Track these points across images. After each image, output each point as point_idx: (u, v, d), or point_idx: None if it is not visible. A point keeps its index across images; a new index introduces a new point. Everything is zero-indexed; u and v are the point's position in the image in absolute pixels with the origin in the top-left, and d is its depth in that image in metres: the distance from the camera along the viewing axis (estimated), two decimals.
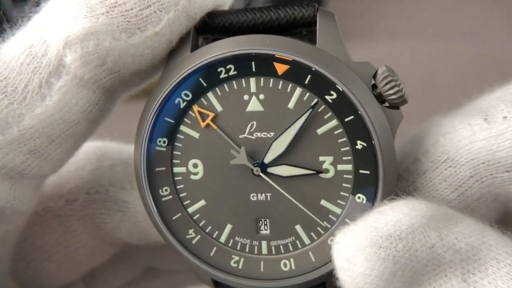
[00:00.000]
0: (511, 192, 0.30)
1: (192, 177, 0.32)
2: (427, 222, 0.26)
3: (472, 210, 0.30)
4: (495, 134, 0.29)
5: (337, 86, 0.29)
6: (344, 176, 0.30)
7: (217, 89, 0.31)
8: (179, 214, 0.33)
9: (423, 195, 0.30)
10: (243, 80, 0.30)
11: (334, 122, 0.30)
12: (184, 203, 0.33)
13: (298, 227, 0.31)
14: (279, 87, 0.30)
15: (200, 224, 0.33)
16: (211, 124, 0.31)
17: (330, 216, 0.31)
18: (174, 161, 0.32)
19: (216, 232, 0.33)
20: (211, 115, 0.31)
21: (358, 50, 0.34)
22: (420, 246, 0.25)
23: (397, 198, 0.28)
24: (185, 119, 0.31)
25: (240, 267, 0.32)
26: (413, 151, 0.31)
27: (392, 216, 0.25)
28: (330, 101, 0.29)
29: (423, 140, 0.31)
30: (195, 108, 0.31)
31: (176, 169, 0.32)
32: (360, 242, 0.25)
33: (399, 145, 0.32)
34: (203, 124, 0.31)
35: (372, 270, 0.25)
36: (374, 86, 0.29)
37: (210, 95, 0.31)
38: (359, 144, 0.30)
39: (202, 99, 0.31)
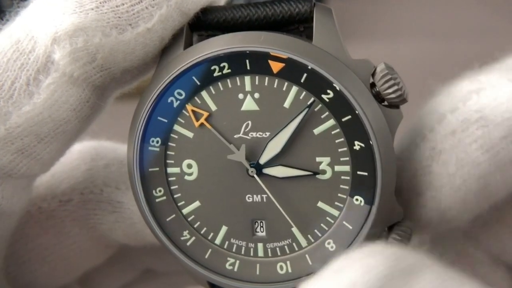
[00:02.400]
0: None
1: (187, 177, 0.32)
2: (384, 283, 0.25)
3: (502, 172, 0.29)
4: None
5: (333, 85, 0.28)
6: (342, 177, 0.30)
7: (211, 87, 0.30)
8: (173, 216, 0.32)
9: (451, 156, 0.29)
10: (237, 78, 0.30)
11: (331, 122, 0.29)
12: (179, 204, 0.32)
13: (294, 229, 0.31)
14: (275, 86, 0.29)
15: (195, 226, 0.32)
16: (205, 123, 0.30)
17: (327, 218, 0.30)
18: (168, 161, 0.32)
19: (211, 234, 0.32)
20: (205, 114, 0.30)
21: (358, 50, 0.34)
22: None
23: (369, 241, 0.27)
24: (179, 119, 0.31)
25: (235, 269, 0.32)
26: (440, 109, 0.30)
27: (348, 277, 0.25)
28: (327, 100, 0.29)
29: (453, 96, 0.30)
30: (189, 107, 0.30)
31: (170, 170, 0.32)
32: None
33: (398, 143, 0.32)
34: (197, 124, 0.31)
35: None
36: (373, 85, 0.29)
37: (204, 93, 0.30)
38: (357, 145, 0.29)
39: (195, 98, 0.30)
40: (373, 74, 0.29)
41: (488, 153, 0.29)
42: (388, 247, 0.27)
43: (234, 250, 0.32)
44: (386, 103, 0.29)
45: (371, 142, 0.28)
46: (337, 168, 0.30)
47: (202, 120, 0.30)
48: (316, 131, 0.29)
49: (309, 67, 0.28)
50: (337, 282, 0.25)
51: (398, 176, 0.30)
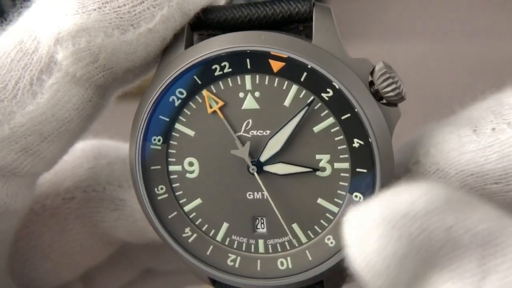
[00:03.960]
0: (501, 203, 0.29)
1: (188, 175, 0.32)
2: (445, 204, 0.24)
3: None
4: (483, 146, 0.29)
5: (333, 83, 0.28)
6: (341, 174, 0.30)
7: (212, 86, 0.30)
8: (175, 213, 0.32)
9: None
10: (238, 77, 0.30)
11: (331, 120, 0.30)
12: (180, 201, 0.32)
13: (295, 226, 0.31)
14: (275, 85, 0.30)
15: (196, 223, 0.32)
16: (218, 112, 0.31)
17: (327, 214, 0.30)
18: (169, 159, 0.32)
19: (213, 231, 0.32)
20: (220, 103, 0.30)
21: (358, 50, 0.34)
22: (436, 227, 0.24)
23: (414, 180, 0.27)
24: (180, 117, 0.31)
25: (236, 265, 0.32)
26: (404, 161, 0.31)
27: (408, 196, 0.24)
28: (327, 98, 0.29)
29: (415, 150, 0.31)
30: (205, 93, 0.31)
31: (171, 168, 0.32)
32: (374, 220, 0.24)
33: (399, 143, 0.32)
34: (210, 110, 0.31)
35: (384, 249, 0.24)
36: (371, 83, 0.29)
37: (204, 92, 0.31)
38: (356, 142, 0.29)
39: (196, 96, 0.31)
40: (371, 73, 0.29)
41: None
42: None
43: (235, 246, 0.32)
44: (384, 101, 0.29)
45: (370, 140, 0.29)
46: (337, 165, 0.30)
47: (216, 108, 0.31)
48: (316, 129, 0.30)
49: (309, 66, 0.28)
50: (397, 198, 0.24)
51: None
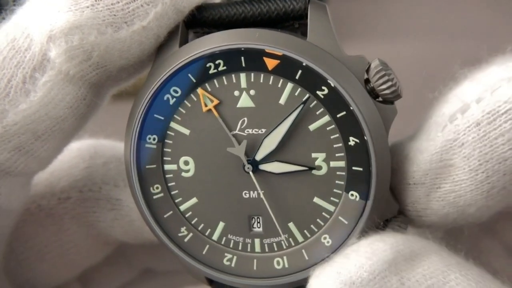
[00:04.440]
0: None
1: (184, 174, 0.32)
2: (388, 267, 0.26)
3: None
4: None
5: (328, 81, 0.28)
6: (337, 173, 0.30)
7: (206, 84, 0.30)
8: (171, 212, 0.32)
9: (474, 150, 0.27)
10: (233, 75, 0.30)
11: (326, 118, 0.29)
12: (176, 200, 0.32)
13: (291, 225, 0.31)
14: (270, 83, 0.30)
15: (192, 222, 0.32)
16: (213, 110, 0.30)
17: (323, 213, 0.30)
18: (164, 158, 0.32)
19: (209, 230, 0.32)
20: (215, 101, 0.30)
21: (358, 49, 0.34)
22: None
23: (369, 233, 0.28)
24: (175, 116, 0.31)
25: (233, 265, 0.32)
26: (464, 97, 0.28)
27: (355, 261, 0.26)
28: (322, 96, 0.29)
29: (480, 84, 0.28)
30: (200, 91, 0.30)
31: (167, 167, 0.32)
32: None
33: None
34: (205, 109, 0.30)
35: None
36: (367, 81, 0.29)
37: (199, 91, 0.30)
38: (352, 141, 0.29)
39: (191, 95, 0.31)
40: (367, 70, 0.29)
41: None
42: (397, 233, 0.28)
43: (231, 245, 0.32)
44: (380, 99, 0.29)
45: (365, 138, 0.28)
46: (333, 163, 0.30)
47: (211, 106, 0.30)
48: (312, 127, 0.30)
49: (304, 64, 0.28)
50: (346, 265, 0.26)
51: (407, 169, 0.29)
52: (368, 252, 0.26)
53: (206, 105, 0.30)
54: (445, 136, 0.28)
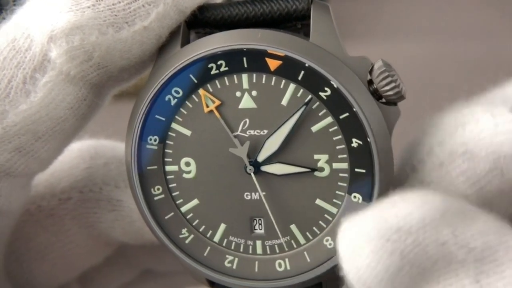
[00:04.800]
0: None
1: (185, 175, 0.32)
2: (440, 217, 0.24)
3: (491, 205, 0.29)
4: None
5: (331, 82, 0.28)
6: (340, 174, 0.30)
7: (208, 85, 0.30)
8: (172, 214, 0.32)
9: (439, 189, 0.29)
10: (235, 76, 0.30)
11: (329, 120, 0.29)
12: (177, 202, 0.32)
13: (293, 227, 0.31)
14: (272, 84, 0.29)
15: (194, 224, 0.32)
16: (215, 111, 0.30)
17: (325, 215, 0.30)
18: (166, 159, 0.32)
19: (210, 232, 0.32)
20: (217, 102, 0.30)
21: (358, 49, 0.34)
22: (431, 242, 0.24)
23: (410, 190, 0.26)
24: (177, 117, 0.31)
25: (234, 267, 0.32)
26: (428, 141, 0.30)
27: (403, 208, 0.24)
28: (325, 97, 0.29)
29: (440, 129, 0.29)
30: (202, 92, 0.30)
31: (168, 168, 0.32)
32: (367, 233, 0.24)
33: (399, 143, 0.31)
34: (206, 110, 0.30)
35: (377, 263, 0.23)
36: (370, 82, 0.29)
37: (201, 91, 0.30)
38: (355, 142, 0.29)
39: (193, 95, 0.30)
40: (370, 71, 0.29)
41: (475, 186, 0.28)
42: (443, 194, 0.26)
43: (232, 247, 0.32)
44: (383, 100, 0.29)
45: (368, 140, 0.28)
46: (335, 165, 0.29)
47: (212, 107, 0.30)
48: (314, 128, 0.29)
49: (306, 65, 0.28)
50: (391, 210, 0.24)
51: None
52: (417, 201, 0.24)
53: (207, 106, 0.30)
54: (415, 176, 0.30)
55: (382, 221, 0.24)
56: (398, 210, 0.24)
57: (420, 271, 0.24)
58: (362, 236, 0.24)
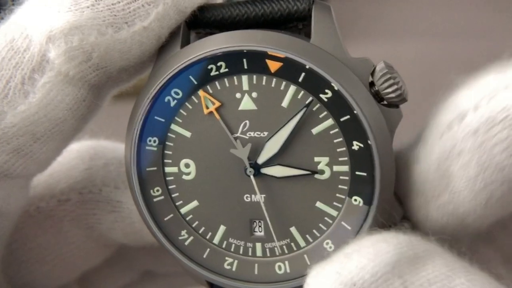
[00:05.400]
0: None
1: (184, 177, 0.31)
2: (391, 269, 0.25)
3: None
4: None
5: (332, 84, 0.28)
6: (340, 177, 0.29)
7: (208, 87, 0.30)
8: (171, 215, 0.32)
9: (472, 158, 0.27)
10: (235, 77, 0.29)
11: (330, 122, 0.29)
12: (177, 203, 0.32)
13: (293, 229, 0.31)
14: (272, 85, 0.29)
15: (193, 225, 0.32)
16: (215, 112, 0.30)
17: (325, 218, 0.30)
18: (165, 161, 0.31)
19: (210, 234, 0.32)
20: (217, 103, 0.30)
21: (359, 49, 0.33)
22: None
23: (373, 232, 0.27)
24: (176, 118, 0.31)
25: (234, 269, 0.32)
26: (462, 104, 0.28)
27: (357, 262, 0.25)
28: (325, 99, 0.29)
29: (477, 92, 0.27)
30: (202, 93, 0.30)
31: (167, 169, 0.31)
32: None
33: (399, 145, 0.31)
34: (206, 111, 0.30)
35: None
36: (372, 84, 0.28)
37: (201, 93, 0.30)
38: (356, 145, 0.29)
39: (193, 97, 0.30)
40: (372, 73, 0.28)
41: None
42: (400, 234, 0.27)
43: (232, 249, 0.32)
44: (385, 102, 0.29)
45: (369, 142, 0.28)
46: (336, 168, 0.29)
47: (212, 108, 0.30)
48: (315, 130, 0.29)
49: (307, 67, 0.28)
50: (347, 265, 0.25)
51: (407, 177, 0.29)
52: (370, 253, 0.25)
53: (207, 108, 0.30)
54: (442, 145, 0.28)
55: (338, 277, 0.25)
56: (352, 264, 0.25)
57: None
58: None
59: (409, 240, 0.27)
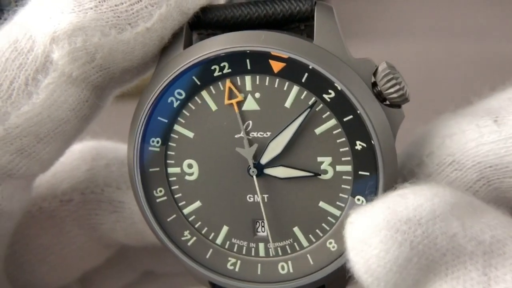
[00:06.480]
0: None
1: (187, 177, 0.31)
2: (450, 210, 0.24)
3: None
4: (505, 137, 0.28)
5: (335, 84, 0.28)
6: (343, 177, 0.29)
7: (211, 87, 0.30)
8: (174, 216, 0.32)
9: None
10: (238, 78, 0.29)
11: (333, 122, 0.29)
12: (179, 204, 0.32)
13: (296, 229, 0.31)
14: (276, 86, 0.29)
15: (196, 226, 0.32)
16: (234, 105, 0.30)
17: (329, 218, 0.30)
18: (168, 161, 0.31)
19: (212, 234, 0.32)
20: (240, 97, 0.30)
21: (360, 49, 0.34)
22: (440, 233, 0.24)
23: (419, 183, 0.26)
24: (179, 119, 0.31)
25: (237, 269, 0.32)
26: (417, 153, 0.30)
27: (413, 200, 0.24)
28: (328, 100, 0.29)
29: (428, 141, 0.30)
30: (228, 83, 0.30)
31: (170, 170, 0.31)
32: (377, 224, 0.24)
33: (402, 145, 0.31)
34: (227, 102, 0.30)
35: (386, 254, 0.24)
36: (374, 84, 0.28)
37: (204, 93, 0.30)
38: (359, 145, 0.29)
39: (196, 97, 0.30)
40: (374, 74, 0.28)
41: None
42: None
43: (235, 250, 0.32)
44: (387, 102, 0.29)
45: (372, 142, 0.28)
46: (339, 168, 0.29)
47: (233, 101, 0.30)
48: (318, 131, 0.29)
49: (310, 67, 0.28)
50: (401, 202, 0.24)
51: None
52: (427, 194, 0.24)
53: (230, 99, 0.30)
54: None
55: (391, 212, 0.24)
56: (408, 202, 0.24)
57: (429, 263, 0.24)
58: (371, 227, 0.24)
59: (465, 193, 0.27)
